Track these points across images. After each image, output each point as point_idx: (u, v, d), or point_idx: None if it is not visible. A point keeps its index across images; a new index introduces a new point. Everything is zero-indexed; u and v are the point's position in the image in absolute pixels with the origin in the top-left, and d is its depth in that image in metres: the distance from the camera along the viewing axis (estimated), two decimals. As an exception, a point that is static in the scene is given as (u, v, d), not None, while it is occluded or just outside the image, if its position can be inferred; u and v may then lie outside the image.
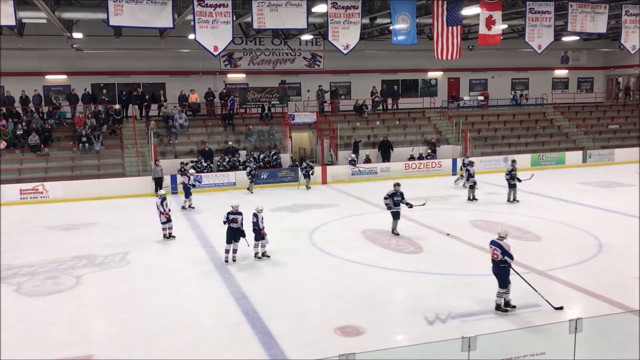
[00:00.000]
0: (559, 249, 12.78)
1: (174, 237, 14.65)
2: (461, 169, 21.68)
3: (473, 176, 19.18)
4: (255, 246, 12.68)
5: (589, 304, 9.84)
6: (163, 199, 14.49)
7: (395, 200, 14.30)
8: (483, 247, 13.13)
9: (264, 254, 12.74)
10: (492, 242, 9.42)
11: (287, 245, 13.48)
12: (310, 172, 22.21)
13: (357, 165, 24.09)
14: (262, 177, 22.84)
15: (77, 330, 9.28)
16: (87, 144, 22.92)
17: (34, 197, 20.32)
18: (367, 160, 25.04)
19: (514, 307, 9.40)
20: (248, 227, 12.48)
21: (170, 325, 9.21)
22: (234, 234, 12.28)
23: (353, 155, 24.55)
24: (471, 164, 20.00)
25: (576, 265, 11.79)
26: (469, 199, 19.09)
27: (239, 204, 12.50)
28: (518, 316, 9.22)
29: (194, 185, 18.97)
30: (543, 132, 29.61)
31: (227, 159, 23.36)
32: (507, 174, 18.49)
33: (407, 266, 12.05)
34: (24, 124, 23.02)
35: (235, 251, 12.38)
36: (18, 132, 22.62)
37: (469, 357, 5.92)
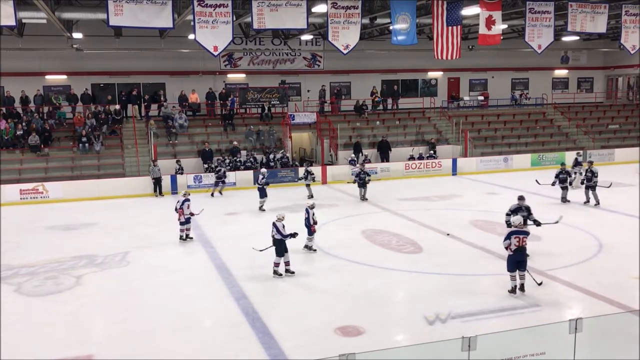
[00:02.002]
0: (559, 249, 12.77)
1: (191, 238, 14.41)
2: (574, 167, 20.16)
3: (572, 176, 18.50)
4: (309, 240, 13.04)
5: (589, 304, 9.83)
6: (185, 199, 14.16)
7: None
8: (483, 247, 13.19)
9: (310, 247, 13.06)
10: (517, 232, 9.96)
11: (286, 245, 13.46)
12: (367, 180, 19.51)
13: (357, 165, 24.06)
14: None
15: (77, 330, 9.28)
16: (87, 144, 22.92)
17: (34, 197, 20.32)
18: (367, 160, 25.00)
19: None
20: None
21: (170, 325, 9.21)
22: (284, 245, 11.40)
23: (353, 155, 24.55)
24: (579, 164, 19.82)
25: (576, 265, 11.79)
26: (563, 199, 18.16)
27: (285, 214, 11.83)
28: (518, 316, 9.23)
29: (267, 184, 18.52)
30: (543, 132, 29.61)
31: (227, 160, 23.35)
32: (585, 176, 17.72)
33: (407, 266, 12.04)
34: (24, 124, 23.02)
35: (287, 263, 11.47)
36: (18, 132, 22.62)
37: (469, 357, 5.91)
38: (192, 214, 14.21)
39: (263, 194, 18.31)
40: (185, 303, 10.22)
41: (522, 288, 10.13)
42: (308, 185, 20.31)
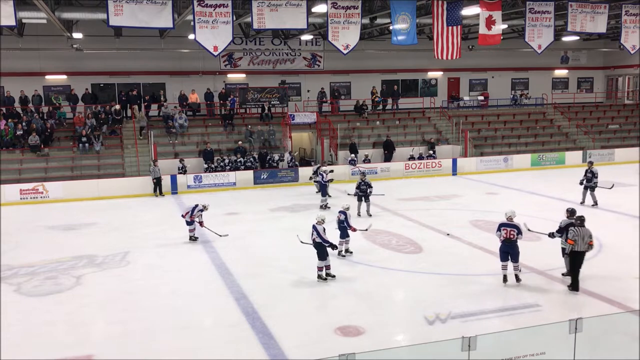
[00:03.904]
0: (559, 249, 12.75)
1: (197, 238, 14.39)
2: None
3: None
4: (340, 244, 12.62)
5: (589, 304, 9.85)
6: (201, 209, 14.16)
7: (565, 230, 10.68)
8: (483, 247, 13.19)
9: (347, 251, 12.81)
10: (506, 225, 10.51)
11: (286, 245, 13.48)
12: (369, 192, 16.55)
13: (357, 165, 24.07)
14: (262, 177, 22.84)
15: (77, 330, 9.28)
16: (87, 144, 22.92)
17: (34, 197, 20.32)
18: (367, 160, 25.00)
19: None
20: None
21: (170, 325, 9.21)
22: (325, 249, 11.12)
23: (353, 155, 24.55)
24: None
25: (576, 265, 11.78)
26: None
27: (324, 215, 11.51)
28: (518, 316, 9.23)
29: (326, 182, 18.25)
30: (543, 132, 29.61)
31: (226, 160, 23.35)
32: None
33: (407, 266, 12.05)
34: (24, 124, 23.02)
35: (328, 267, 11.22)
36: (18, 132, 22.62)
37: (469, 357, 5.92)
38: (200, 224, 14.24)
39: (324, 192, 18.21)
40: (185, 303, 10.22)
41: (517, 279, 10.63)
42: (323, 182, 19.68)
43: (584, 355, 6.37)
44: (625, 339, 7.11)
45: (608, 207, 17.15)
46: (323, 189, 18.31)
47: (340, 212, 12.69)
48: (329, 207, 17.67)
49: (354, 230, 12.52)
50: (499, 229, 10.61)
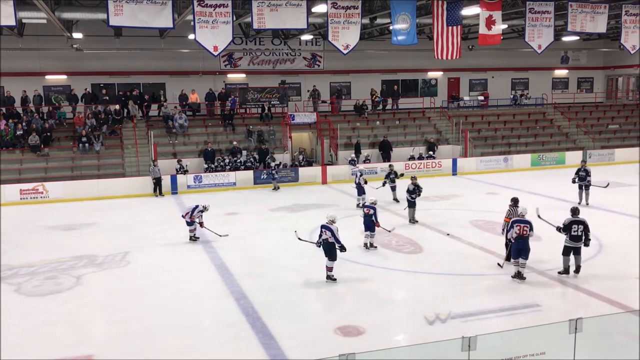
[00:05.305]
0: (559, 249, 12.75)
1: (197, 238, 14.36)
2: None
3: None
4: (366, 237, 13.08)
5: (589, 304, 9.85)
6: (202, 210, 14.16)
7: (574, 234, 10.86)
8: (483, 247, 13.19)
9: (371, 245, 13.14)
10: (519, 221, 10.67)
11: (286, 245, 13.47)
12: (419, 193, 15.82)
13: (357, 165, 24.05)
14: (262, 177, 22.82)
15: (77, 330, 9.28)
16: (87, 144, 22.92)
17: (34, 197, 20.31)
18: (367, 160, 24.99)
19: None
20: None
21: (170, 325, 9.21)
22: (336, 249, 10.90)
23: (353, 155, 24.54)
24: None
25: (576, 265, 11.78)
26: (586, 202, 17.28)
27: (336, 215, 11.38)
28: (518, 316, 9.23)
29: (361, 183, 18.06)
30: (543, 132, 29.61)
31: (226, 160, 23.34)
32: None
33: (407, 266, 12.04)
34: (24, 124, 23.02)
35: (331, 268, 11.01)
36: (18, 132, 22.61)
37: (469, 357, 5.91)
38: (200, 225, 14.25)
39: (361, 191, 18.17)
40: (185, 303, 10.22)
41: (521, 277, 10.72)
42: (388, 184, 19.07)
43: (584, 355, 6.37)
44: (625, 339, 7.12)
45: (608, 207, 17.17)
46: (359, 189, 18.24)
47: (368, 206, 13.03)
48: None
49: (379, 225, 12.88)
50: (511, 226, 10.68)
